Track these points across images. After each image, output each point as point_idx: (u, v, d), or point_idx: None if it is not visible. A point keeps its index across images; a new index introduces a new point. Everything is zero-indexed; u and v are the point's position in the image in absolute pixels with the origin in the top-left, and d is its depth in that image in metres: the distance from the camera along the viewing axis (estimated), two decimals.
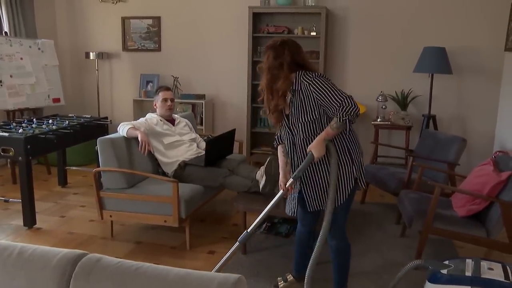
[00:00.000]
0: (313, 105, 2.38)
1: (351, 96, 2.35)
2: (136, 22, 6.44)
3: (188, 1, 6.21)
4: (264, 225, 3.93)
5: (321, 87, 2.35)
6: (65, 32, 6.73)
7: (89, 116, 5.00)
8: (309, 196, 2.59)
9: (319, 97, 2.35)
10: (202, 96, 6.15)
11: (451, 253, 3.60)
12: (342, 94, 2.35)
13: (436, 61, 5.09)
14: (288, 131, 2.52)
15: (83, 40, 6.69)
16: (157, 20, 6.36)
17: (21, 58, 5.11)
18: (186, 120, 4.32)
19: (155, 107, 4.12)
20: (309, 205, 2.60)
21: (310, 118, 2.40)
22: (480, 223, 3.22)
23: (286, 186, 2.51)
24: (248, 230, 2.46)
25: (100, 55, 6.39)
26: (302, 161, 2.49)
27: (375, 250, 3.61)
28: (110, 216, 3.61)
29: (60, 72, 5.79)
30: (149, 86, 6.38)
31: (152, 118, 4.01)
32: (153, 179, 3.70)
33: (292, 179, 2.48)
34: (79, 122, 4.56)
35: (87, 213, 4.31)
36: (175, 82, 6.28)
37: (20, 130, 4.01)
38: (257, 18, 5.82)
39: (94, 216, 4.13)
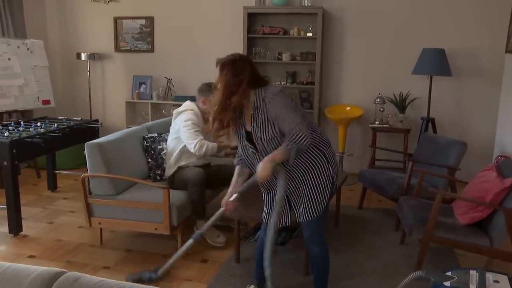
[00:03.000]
0: (269, 122, 2.34)
1: (302, 123, 2.27)
2: (128, 22, 6.30)
3: (181, 1, 6.08)
4: (258, 233, 3.80)
5: (278, 106, 2.29)
6: (55, 32, 6.59)
7: (79, 118, 4.86)
8: (299, 208, 2.51)
9: (277, 118, 2.31)
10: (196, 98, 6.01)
11: (452, 261, 3.50)
12: (295, 119, 2.27)
13: (435, 62, 4.99)
14: (250, 148, 2.44)
15: (74, 40, 6.54)
16: (150, 20, 6.23)
17: (9, 59, 4.96)
18: None
19: (204, 104, 3.70)
20: (299, 217, 2.52)
21: (272, 134, 2.34)
22: (483, 232, 3.11)
23: (227, 201, 2.54)
24: (202, 231, 2.58)
25: (92, 56, 6.25)
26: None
27: (374, 258, 3.49)
28: (99, 223, 3.48)
29: (51, 74, 5.64)
30: (141, 88, 6.25)
31: (197, 115, 3.70)
32: (144, 185, 3.57)
33: (236, 195, 2.49)
34: (69, 125, 4.41)
35: (77, 219, 4.16)
36: (168, 83, 6.15)
37: (6, 134, 3.86)
38: (252, 18, 5.71)
39: (83, 222, 3.98)
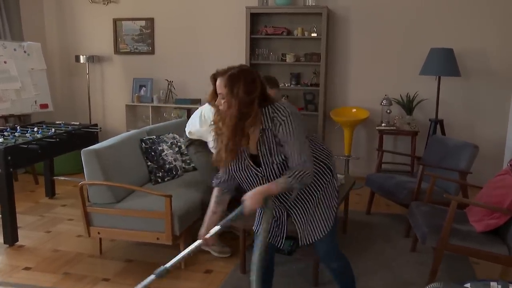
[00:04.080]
0: (279, 145, 2.07)
1: (308, 159, 2.05)
2: (128, 23, 6.18)
3: (182, 2, 5.95)
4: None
5: (287, 132, 2.01)
6: (54, 34, 6.46)
7: (77, 123, 4.72)
8: (302, 229, 2.29)
9: (284, 143, 2.03)
10: (197, 101, 5.88)
11: (467, 270, 3.35)
12: (302, 153, 2.03)
13: (444, 63, 4.86)
14: (254, 173, 2.14)
15: (73, 42, 6.42)
16: (150, 21, 6.10)
17: (5, 62, 4.83)
18: None
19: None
20: (301, 239, 2.31)
21: (283, 158, 2.07)
22: (500, 239, 2.97)
23: (207, 236, 2.13)
24: (167, 266, 2.07)
25: (91, 59, 6.12)
26: (277, 203, 2.23)
27: (385, 267, 3.35)
28: (98, 233, 3.33)
29: (49, 77, 5.51)
30: (142, 91, 6.11)
31: None
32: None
33: (218, 228, 2.11)
34: (66, 130, 4.28)
35: (75, 228, 4.02)
36: (169, 86, 6.01)
37: (1, 140, 3.72)
38: (255, 18, 5.58)
39: (82, 231, 3.81)
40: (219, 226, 2.11)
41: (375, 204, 4.53)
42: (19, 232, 3.73)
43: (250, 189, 2.17)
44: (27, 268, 3.27)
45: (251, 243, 3.61)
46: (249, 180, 2.19)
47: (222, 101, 2.00)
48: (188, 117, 5.89)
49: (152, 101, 6.02)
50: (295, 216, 2.29)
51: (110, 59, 6.32)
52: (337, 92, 5.69)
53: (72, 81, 6.54)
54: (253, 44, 5.60)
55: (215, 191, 2.27)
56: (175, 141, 4.03)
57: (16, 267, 3.28)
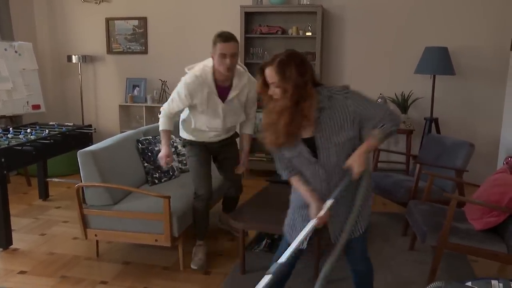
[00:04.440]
0: (345, 122, 2.03)
1: (387, 104, 2.14)
2: (121, 23, 6.11)
3: (175, 1, 5.90)
4: (264, 242, 3.63)
5: (358, 99, 2.03)
6: (45, 34, 6.37)
7: (71, 124, 4.65)
8: (335, 225, 2.24)
9: (359, 110, 2.02)
10: None
11: (465, 268, 3.36)
12: (380, 103, 2.14)
13: (438, 61, 4.87)
14: (309, 158, 2.10)
15: (64, 42, 6.33)
16: (143, 21, 6.04)
17: None
18: (249, 90, 3.28)
19: (212, 58, 3.16)
20: (334, 237, 2.26)
21: (345, 137, 2.04)
22: (499, 237, 2.97)
23: (323, 213, 2.06)
24: (283, 261, 2.00)
25: (83, 59, 6.04)
26: (332, 189, 2.13)
27: (384, 266, 3.34)
28: (95, 235, 3.28)
29: (40, 77, 5.42)
30: (135, 91, 6.05)
31: (200, 82, 3.17)
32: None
33: (332, 200, 2.05)
34: (61, 131, 4.22)
35: (71, 230, 3.96)
36: (163, 86, 5.96)
37: None
38: (249, 18, 5.55)
39: (77, 233, 3.79)
40: (332, 199, 2.07)
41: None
42: (13, 235, 3.67)
43: (315, 182, 2.15)
44: (22, 272, 3.21)
45: (249, 244, 3.60)
46: (305, 168, 2.15)
47: (276, 90, 1.98)
48: None
49: (146, 101, 5.97)
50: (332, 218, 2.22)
51: (103, 59, 6.25)
52: None
53: (64, 81, 6.45)
54: (248, 44, 5.57)
55: (293, 179, 2.23)
56: (171, 141, 3.99)
57: (11, 271, 3.22)
